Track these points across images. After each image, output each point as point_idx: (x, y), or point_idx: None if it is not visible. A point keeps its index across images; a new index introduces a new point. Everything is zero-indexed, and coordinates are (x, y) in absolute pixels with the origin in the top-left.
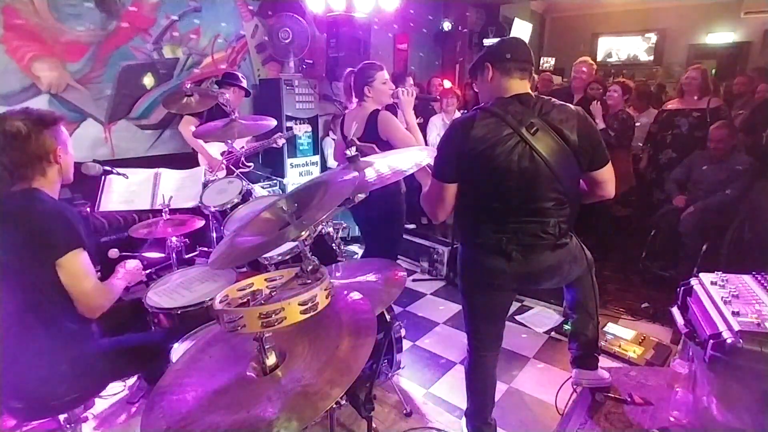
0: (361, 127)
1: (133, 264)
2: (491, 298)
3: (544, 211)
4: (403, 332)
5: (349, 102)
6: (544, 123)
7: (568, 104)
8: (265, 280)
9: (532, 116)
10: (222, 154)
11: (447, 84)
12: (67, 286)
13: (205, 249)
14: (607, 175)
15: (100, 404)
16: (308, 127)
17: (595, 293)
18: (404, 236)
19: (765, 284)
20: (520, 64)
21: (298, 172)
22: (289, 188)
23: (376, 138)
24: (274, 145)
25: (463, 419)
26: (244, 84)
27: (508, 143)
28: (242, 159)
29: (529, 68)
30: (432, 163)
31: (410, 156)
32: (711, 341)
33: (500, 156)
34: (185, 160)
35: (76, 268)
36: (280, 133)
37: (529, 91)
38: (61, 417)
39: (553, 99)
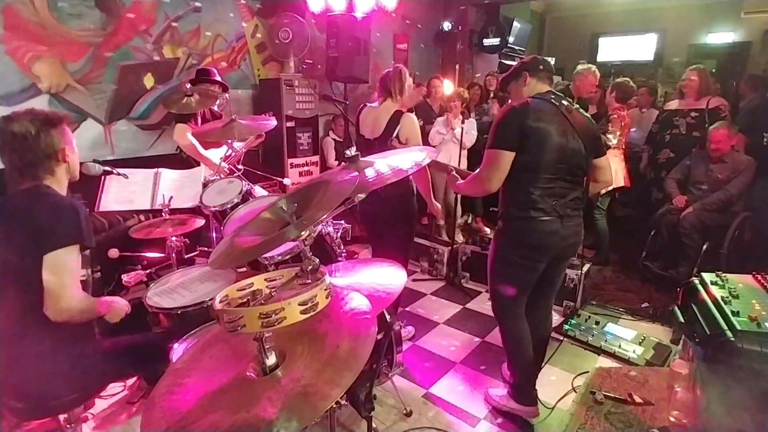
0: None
1: (121, 303)
2: (535, 270)
3: (578, 181)
4: (412, 331)
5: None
6: (572, 107)
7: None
8: (265, 280)
9: (563, 100)
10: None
11: (448, 85)
12: (47, 281)
13: (205, 249)
14: (605, 162)
15: (100, 404)
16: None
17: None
18: None
19: (765, 284)
20: (549, 74)
21: (298, 172)
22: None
23: None
24: (259, 138)
25: (501, 396)
26: (218, 78)
27: (556, 119)
28: (235, 161)
29: (553, 77)
30: (489, 138)
31: (410, 156)
32: (711, 341)
33: (552, 132)
34: (185, 160)
35: (65, 263)
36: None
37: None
38: (61, 417)
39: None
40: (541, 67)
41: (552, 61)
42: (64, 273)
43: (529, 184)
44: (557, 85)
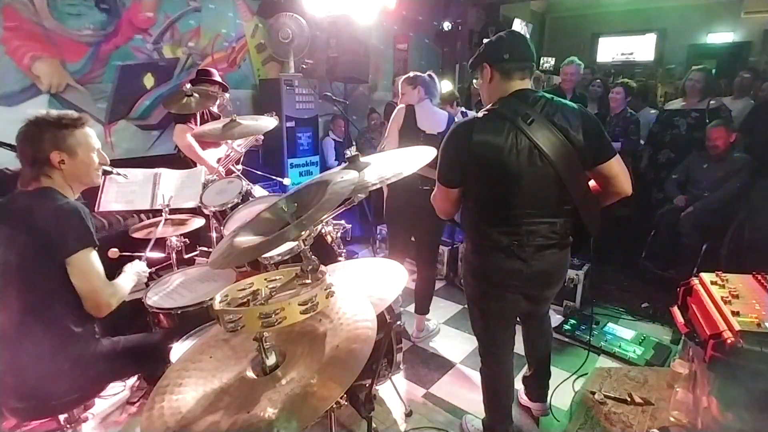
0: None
1: (139, 265)
2: (506, 301)
3: (557, 212)
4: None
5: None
6: (541, 116)
7: (568, 103)
8: (265, 280)
9: (528, 109)
10: (218, 161)
11: (446, 84)
12: (77, 284)
13: (205, 249)
14: (616, 168)
15: (100, 404)
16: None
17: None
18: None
19: (765, 284)
20: (520, 64)
21: (298, 172)
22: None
23: None
24: (257, 142)
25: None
26: (218, 78)
27: (509, 140)
28: (234, 162)
29: (530, 66)
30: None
31: (410, 156)
32: (711, 341)
33: (503, 156)
34: (184, 160)
35: (88, 266)
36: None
37: (529, 87)
38: (61, 417)
39: (555, 98)
40: (506, 56)
41: (552, 60)
42: (91, 275)
43: (482, 219)
44: (550, 86)
